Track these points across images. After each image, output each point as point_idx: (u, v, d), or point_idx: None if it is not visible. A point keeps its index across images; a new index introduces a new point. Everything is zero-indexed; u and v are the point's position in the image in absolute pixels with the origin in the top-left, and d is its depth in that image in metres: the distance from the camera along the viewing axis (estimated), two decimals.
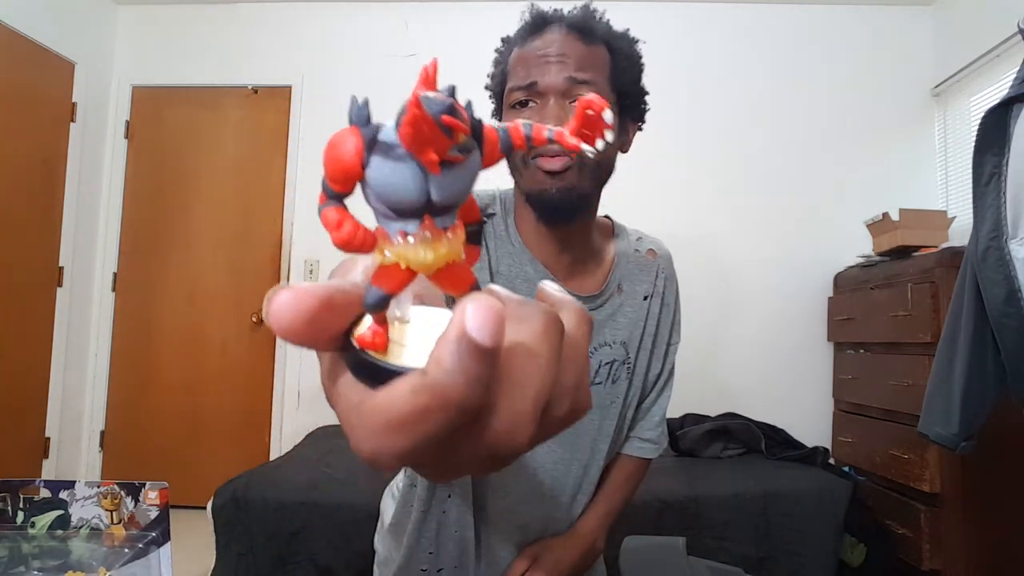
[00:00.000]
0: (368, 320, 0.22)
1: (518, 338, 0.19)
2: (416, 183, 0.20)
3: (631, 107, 0.78)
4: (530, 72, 0.73)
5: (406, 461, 0.18)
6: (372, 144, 0.20)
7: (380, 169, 0.20)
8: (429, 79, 0.22)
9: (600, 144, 0.23)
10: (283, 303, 0.19)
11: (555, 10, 0.76)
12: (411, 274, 0.21)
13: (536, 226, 0.78)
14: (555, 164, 0.70)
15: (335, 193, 0.22)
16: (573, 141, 0.23)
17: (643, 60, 0.79)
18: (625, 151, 0.82)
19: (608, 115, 0.23)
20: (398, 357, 0.20)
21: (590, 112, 0.23)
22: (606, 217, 0.91)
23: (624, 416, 0.86)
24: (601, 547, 0.86)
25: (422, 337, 0.21)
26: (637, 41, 0.79)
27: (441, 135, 0.19)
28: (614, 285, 0.83)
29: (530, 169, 0.73)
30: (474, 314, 0.17)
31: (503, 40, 0.82)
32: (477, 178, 0.21)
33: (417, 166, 0.20)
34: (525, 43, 0.75)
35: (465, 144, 0.20)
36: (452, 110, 0.20)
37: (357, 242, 0.21)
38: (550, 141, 0.23)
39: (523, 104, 0.74)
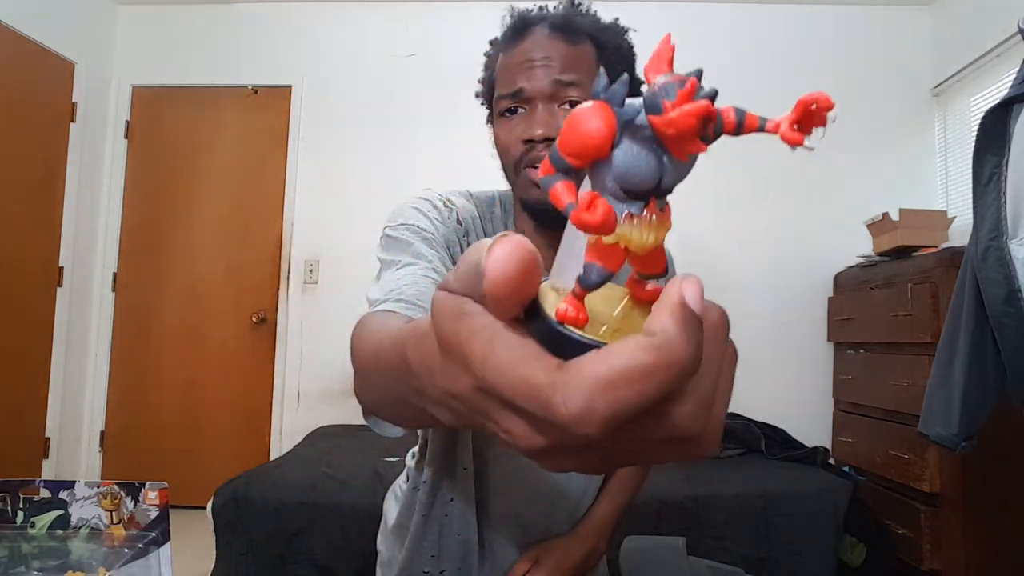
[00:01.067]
0: (552, 294, 0.22)
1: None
2: (658, 167, 0.20)
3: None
4: (515, 79, 0.71)
5: (613, 423, 0.18)
6: (624, 125, 0.20)
7: (629, 151, 0.20)
8: (666, 56, 0.21)
9: (816, 140, 0.21)
10: (508, 251, 0.19)
11: (540, 8, 0.75)
12: (627, 254, 0.21)
13: (536, 230, 0.77)
14: (541, 169, 0.69)
15: (569, 167, 0.21)
16: (791, 135, 0.22)
17: (635, 50, 0.77)
18: None
19: (833, 115, 0.21)
20: (588, 333, 0.20)
21: (814, 107, 0.21)
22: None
23: None
24: (604, 548, 0.86)
25: (600, 314, 0.21)
26: (627, 31, 0.78)
27: (704, 126, 0.19)
28: None
29: (522, 179, 0.73)
30: (689, 287, 0.18)
31: (491, 43, 0.80)
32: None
33: (663, 151, 0.20)
34: (509, 48, 0.74)
35: (706, 133, 0.20)
36: (715, 100, 0.20)
37: (611, 224, 0.20)
38: (761, 129, 0.22)
39: (512, 111, 0.73)
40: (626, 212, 0.21)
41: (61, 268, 3.02)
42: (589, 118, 0.20)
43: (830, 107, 0.21)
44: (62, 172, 3.03)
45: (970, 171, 1.34)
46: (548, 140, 0.69)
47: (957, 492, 2.04)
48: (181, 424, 3.15)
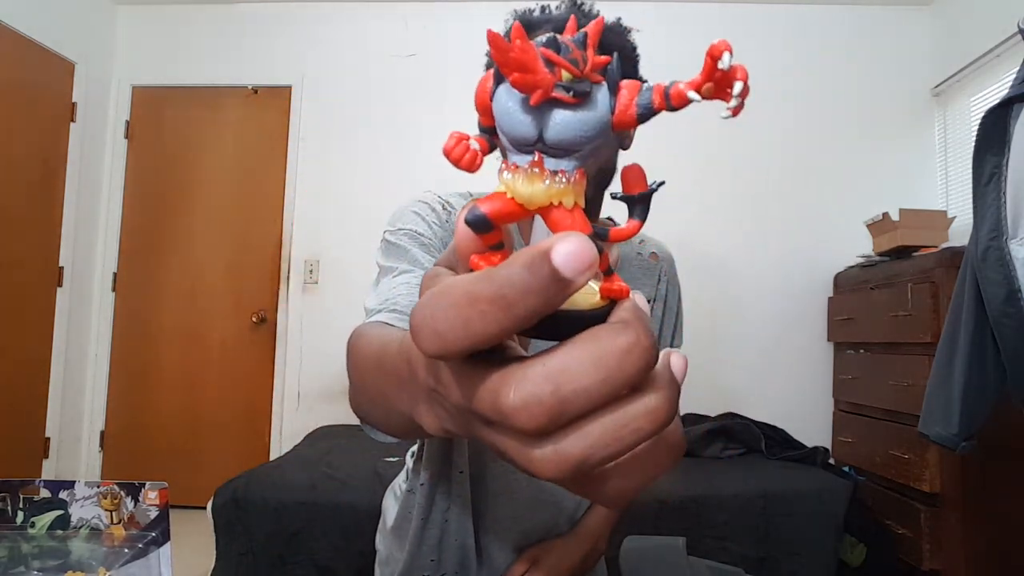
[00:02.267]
0: None
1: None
2: (525, 117, 0.21)
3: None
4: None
5: (559, 412, 0.18)
6: (500, 79, 0.21)
7: (500, 100, 0.21)
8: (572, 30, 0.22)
9: (734, 103, 0.23)
10: (585, 247, 0.18)
11: (543, 8, 0.74)
12: (517, 207, 0.21)
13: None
14: None
15: (481, 126, 0.23)
16: (679, 92, 0.23)
17: (638, 51, 0.77)
18: (626, 148, 0.80)
19: (726, 60, 0.22)
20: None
21: (725, 68, 0.22)
22: (609, 219, 0.90)
23: None
24: (603, 548, 0.86)
25: (576, 303, 0.21)
26: (630, 31, 0.78)
27: (538, 67, 0.20)
28: None
29: None
30: (566, 242, 0.18)
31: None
32: (605, 130, 0.22)
33: (549, 106, 0.20)
34: None
35: (577, 87, 0.20)
36: (554, 44, 0.20)
37: (454, 156, 0.22)
38: (692, 101, 0.23)
39: None
40: (512, 163, 0.21)
41: (61, 268, 3.02)
42: (481, 79, 0.22)
43: (743, 75, 0.22)
44: (62, 172, 3.03)
45: (970, 171, 1.34)
46: None
47: (957, 492, 2.04)
48: (181, 424, 3.15)
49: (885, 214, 2.54)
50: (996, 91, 2.63)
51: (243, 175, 3.26)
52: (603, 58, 0.21)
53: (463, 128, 0.24)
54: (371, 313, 0.61)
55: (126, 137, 3.31)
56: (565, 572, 0.80)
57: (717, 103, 0.23)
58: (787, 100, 3.15)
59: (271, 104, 3.27)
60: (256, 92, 3.29)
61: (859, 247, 2.79)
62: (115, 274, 3.25)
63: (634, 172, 0.25)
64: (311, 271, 3.18)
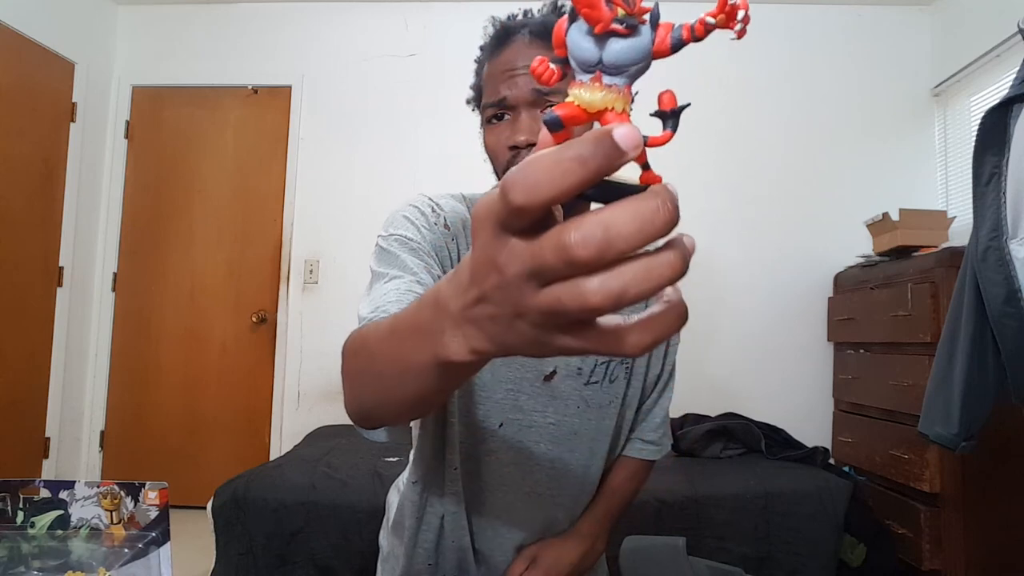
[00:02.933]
0: None
1: None
2: (590, 44, 0.27)
3: None
4: (499, 88, 0.73)
5: (547, 192, 0.24)
6: (573, 20, 0.28)
7: (571, 33, 0.28)
8: None
9: (739, 27, 0.29)
10: (633, 131, 0.25)
11: (524, 12, 0.76)
12: (581, 111, 0.28)
13: None
14: None
15: (555, 58, 0.29)
16: (699, 27, 0.29)
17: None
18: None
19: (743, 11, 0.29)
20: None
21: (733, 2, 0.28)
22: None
23: (623, 416, 0.86)
24: (602, 548, 0.86)
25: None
26: None
27: (602, 6, 0.26)
28: None
29: None
30: (622, 127, 0.24)
31: (480, 49, 0.81)
32: (647, 55, 0.29)
33: (605, 36, 0.27)
34: (493, 57, 0.75)
35: (628, 20, 0.27)
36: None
37: (538, 72, 0.29)
38: (695, 39, 0.29)
39: (498, 118, 0.74)
40: (579, 79, 0.28)
41: (61, 268, 3.02)
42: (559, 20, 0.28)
43: (744, 5, 0.29)
44: (62, 172, 3.03)
45: (970, 171, 1.34)
46: (532, 146, 0.70)
47: (957, 492, 2.04)
48: (181, 424, 3.15)
49: (885, 214, 2.54)
50: (996, 91, 2.63)
51: (243, 175, 3.26)
52: (648, 5, 0.28)
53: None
54: (364, 321, 0.63)
55: (126, 137, 3.31)
56: (564, 570, 0.80)
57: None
58: (787, 100, 3.15)
59: (271, 104, 3.27)
60: (256, 92, 3.29)
61: (859, 247, 2.79)
62: (115, 274, 3.25)
63: (667, 95, 0.32)
64: (311, 271, 3.18)
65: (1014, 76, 1.29)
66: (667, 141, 0.31)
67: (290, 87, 3.26)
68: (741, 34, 0.29)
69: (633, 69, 0.29)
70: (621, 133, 0.24)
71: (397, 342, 0.40)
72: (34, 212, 2.91)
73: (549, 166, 0.24)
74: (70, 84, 3.06)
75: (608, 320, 0.27)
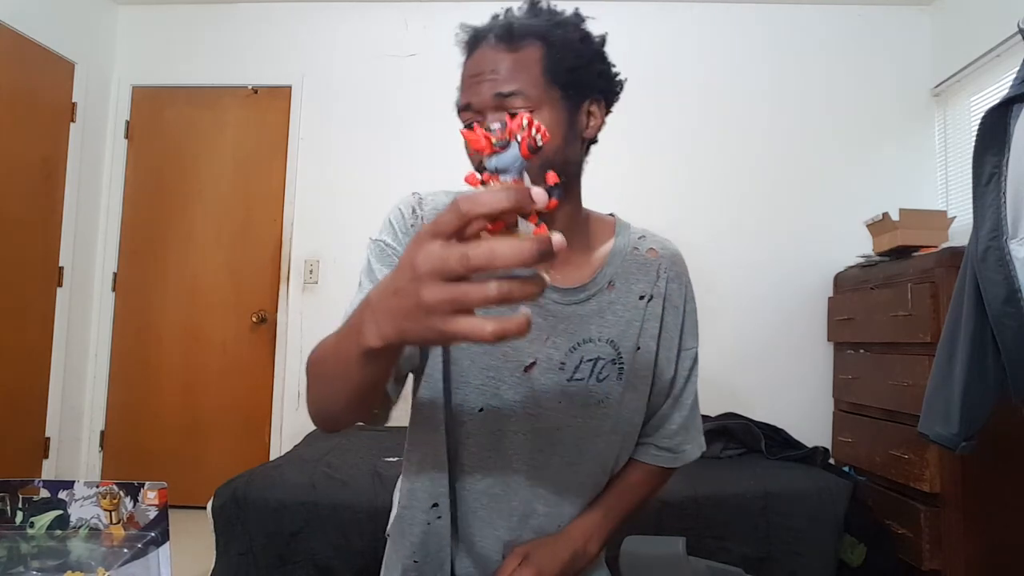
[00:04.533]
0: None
1: None
2: (480, 159, 0.47)
3: (580, 91, 0.76)
4: (466, 94, 0.75)
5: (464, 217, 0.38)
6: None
7: (471, 153, 0.59)
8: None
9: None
10: (542, 192, 0.37)
11: (494, 16, 0.77)
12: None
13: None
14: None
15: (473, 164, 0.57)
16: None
17: (594, 39, 0.78)
18: (590, 136, 0.80)
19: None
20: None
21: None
22: (611, 215, 0.89)
23: (621, 417, 0.84)
24: (593, 551, 0.83)
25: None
26: (583, 20, 0.78)
27: (480, 140, 0.45)
28: (604, 281, 0.81)
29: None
30: (536, 189, 0.37)
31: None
32: (517, 160, 0.45)
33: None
34: (464, 63, 0.77)
35: (500, 143, 0.45)
36: (488, 130, 0.46)
37: (470, 182, 0.47)
38: (539, 146, 0.47)
39: (470, 124, 0.75)
40: (478, 178, 0.47)
41: (61, 268, 3.02)
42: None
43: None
44: (62, 172, 3.03)
45: (970, 171, 1.34)
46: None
47: (957, 492, 2.04)
48: (181, 424, 3.15)
49: (885, 214, 2.54)
50: (996, 91, 2.63)
51: (243, 175, 3.26)
52: (514, 125, 0.45)
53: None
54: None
55: (126, 137, 3.31)
56: (555, 568, 0.79)
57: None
58: (787, 100, 3.15)
59: (271, 104, 3.27)
60: (256, 92, 3.29)
61: (859, 247, 2.79)
62: (115, 274, 3.25)
63: (551, 175, 0.48)
64: (311, 271, 3.18)
65: (1014, 76, 1.29)
66: (555, 207, 0.41)
67: (290, 87, 3.26)
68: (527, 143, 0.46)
69: (514, 169, 0.45)
70: (535, 191, 0.37)
71: (339, 342, 0.53)
72: (34, 212, 2.91)
73: (490, 194, 0.37)
74: (70, 84, 3.07)
75: (479, 315, 0.38)
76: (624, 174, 3.13)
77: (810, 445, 2.48)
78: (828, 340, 2.97)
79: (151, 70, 3.34)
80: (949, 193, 2.98)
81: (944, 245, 2.35)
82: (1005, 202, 1.25)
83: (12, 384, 2.78)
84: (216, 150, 3.28)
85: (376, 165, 3.16)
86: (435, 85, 3.26)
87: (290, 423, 3.09)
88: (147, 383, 3.20)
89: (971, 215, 1.35)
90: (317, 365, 0.61)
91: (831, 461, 2.55)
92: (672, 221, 3.11)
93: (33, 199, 2.91)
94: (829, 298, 2.97)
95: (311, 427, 2.90)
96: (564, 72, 0.73)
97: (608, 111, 0.83)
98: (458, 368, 0.78)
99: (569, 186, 0.78)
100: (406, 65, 3.23)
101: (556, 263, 0.79)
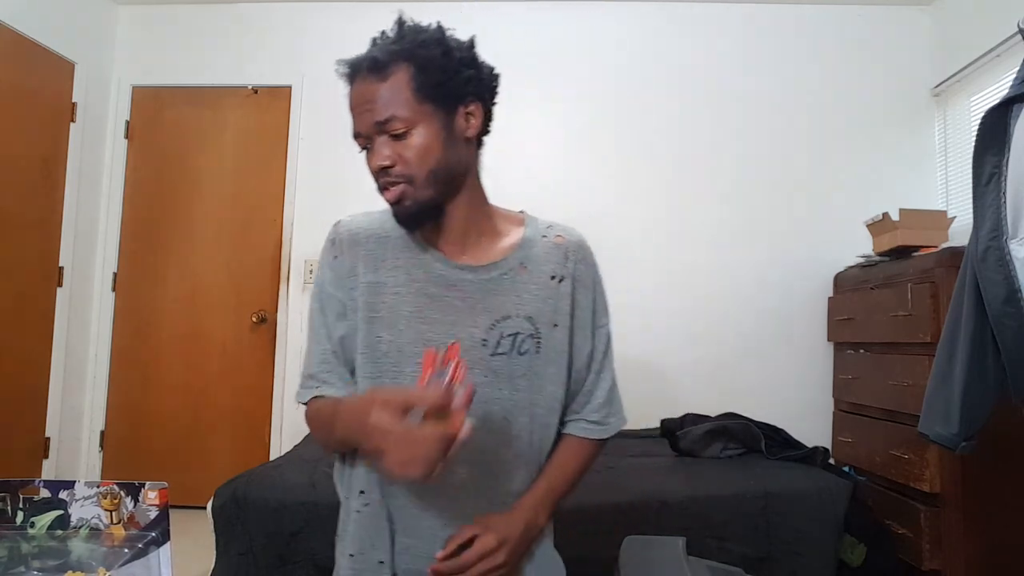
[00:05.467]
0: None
1: None
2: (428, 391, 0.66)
3: (453, 100, 0.82)
4: (354, 124, 0.83)
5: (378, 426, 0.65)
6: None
7: None
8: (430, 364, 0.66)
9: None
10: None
11: (372, 40, 0.84)
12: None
13: (407, 233, 0.89)
14: (389, 196, 0.83)
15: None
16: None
17: (457, 49, 0.84)
18: (473, 136, 0.85)
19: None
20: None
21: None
22: (521, 212, 0.97)
23: (544, 390, 0.87)
24: (542, 523, 0.86)
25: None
26: (445, 33, 0.85)
27: (429, 367, 0.68)
28: (515, 262, 0.88)
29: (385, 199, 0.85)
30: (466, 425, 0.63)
31: None
32: (449, 390, 0.64)
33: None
34: (348, 95, 0.84)
35: (441, 371, 0.66)
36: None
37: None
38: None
39: (364, 147, 0.85)
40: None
41: (61, 268, 3.02)
42: None
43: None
44: (62, 172, 3.03)
45: (970, 171, 1.34)
46: (386, 168, 0.81)
47: (957, 492, 2.04)
48: (181, 424, 3.15)
49: (885, 214, 2.54)
50: (996, 91, 2.63)
51: (243, 175, 3.26)
52: (450, 371, 0.65)
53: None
54: (304, 379, 0.90)
55: (126, 137, 3.31)
56: (515, 534, 0.81)
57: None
58: (787, 100, 3.15)
59: (271, 104, 3.27)
60: (256, 92, 3.29)
61: (859, 247, 2.79)
62: (115, 274, 3.25)
63: (459, 417, 0.64)
64: (311, 271, 3.18)
65: (1014, 76, 1.29)
66: (469, 433, 0.61)
67: (290, 87, 3.26)
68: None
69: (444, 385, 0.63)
70: (455, 401, 0.57)
71: (342, 424, 0.77)
72: (34, 212, 2.91)
73: (427, 389, 0.53)
74: (70, 84, 3.07)
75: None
76: (624, 174, 3.13)
77: (810, 445, 2.48)
78: (828, 340, 2.97)
79: (151, 70, 3.34)
80: (949, 193, 2.98)
81: (944, 245, 2.35)
82: (1005, 202, 1.25)
83: (12, 384, 2.78)
84: (216, 150, 3.27)
85: None
86: None
87: (290, 423, 3.09)
88: (147, 383, 3.20)
89: (971, 215, 1.35)
90: (313, 425, 0.90)
91: (831, 461, 2.55)
92: (672, 221, 3.12)
93: (33, 199, 2.91)
94: (829, 298, 2.97)
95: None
96: (432, 87, 0.80)
97: (492, 105, 0.88)
98: (390, 360, 0.84)
99: (460, 182, 0.86)
100: None
101: (469, 248, 0.87)
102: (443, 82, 0.81)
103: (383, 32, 0.86)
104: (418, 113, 0.80)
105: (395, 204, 0.83)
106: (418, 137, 0.80)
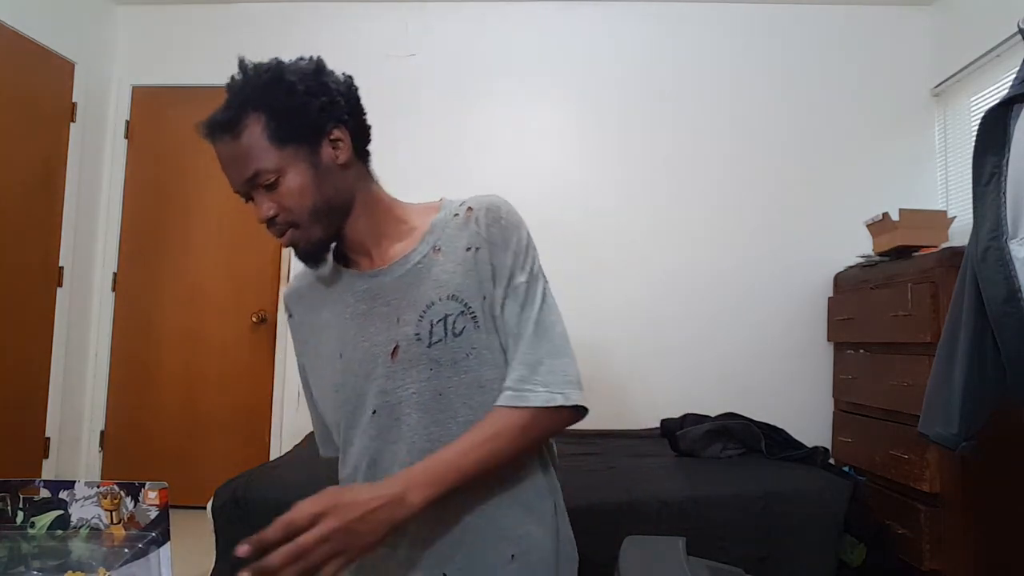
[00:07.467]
0: None
1: None
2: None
3: (312, 134, 0.82)
4: (228, 180, 0.85)
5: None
6: None
7: None
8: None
9: None
10: None
11: (225, 100, 0.83)
12: None
13: (306, 270, 0.94)
14: (283, 243, 0.85)
15: None
16: None
17: (300, 83, 0.81)
18: (345, 160, 0.85)
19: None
20: None
21: None
22: (440, 199, 0.95)
23: (493, 362, 0.84)
24: (416, 501, 0.73)
25: None
26: (283, 69, 0.83)
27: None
28: (427, 248, 0.86)
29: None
30: None
31: None
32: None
33: None
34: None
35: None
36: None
37: None
38: None
39: (247, 198, 0.85)
40: None
41: (61, 268, 3.02)
42: None
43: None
44: (62, 172, 3.03)
45: (970, 171, 1.34)
46: (271, 219, 0.82)
47: (957, 492, 2.04)
48: (181, 424, 3.15)
49: (885, 214, 2.54)
50: (996, 91, 2.63)
51: None
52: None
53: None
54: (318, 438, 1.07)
55: (126, 137, 3.31)
56: (356, 512, 0.70)
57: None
58: (787, 100, 3.15)
59: None
60: None
61: (859, 247, 2.79)
62: (115, 274, 3.25)
63: None
64: None
65: (1014, 76, 1.29)
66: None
67: None
68: None
69: None
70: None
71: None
72: (34, 212, 2.91)
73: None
74: (70, 84, 3.06)
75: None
76: (624, 174, 3.13)
77: (810, 445, 2.48)
78: (828, 340, 2.97)
79: (151, 70, 3.34)
80: (949, 193, 2.98)
81: (944, 245, 2.35)
82: (1005, 202, 1.25)
83: (12, 384, 2.78)
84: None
85: (375, 165, 3.15)
86: (435, 85, 3.29)
87: (290, 423, 3.09)
88: (147, 383, 3.20)
89: (971, 215, 1.35)
90: None
91: (831, 461, 2.55)
92: (672, 221, 3.12)
93: (33, 199, 2.91)
94: (829, 298, 2.97)
95: (311, 427, 2.90)
96: (287, 130, 0.80)
97: (360, 116, 0.89)
98: (342, 393, 0.87)
99: (348, 205, 0.87)
100: (406, 65, 3.23)
101: (379, 252, 0.86)
102: (296, 122, 0.80)
103: (232, 76, 0.85)
104: (282, 159, 0.80)
105: (292, 247, 0.85)
106: (290, 182, 0.80)
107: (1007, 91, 1.29)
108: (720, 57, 3.18)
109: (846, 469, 2.49)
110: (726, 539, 1.89)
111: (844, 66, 3.14)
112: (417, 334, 0.82)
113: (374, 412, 0.84)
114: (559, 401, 0.81)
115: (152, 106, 3.32)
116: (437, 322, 0.82)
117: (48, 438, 2.96)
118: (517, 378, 0.82)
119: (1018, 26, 1.37)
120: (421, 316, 0.83)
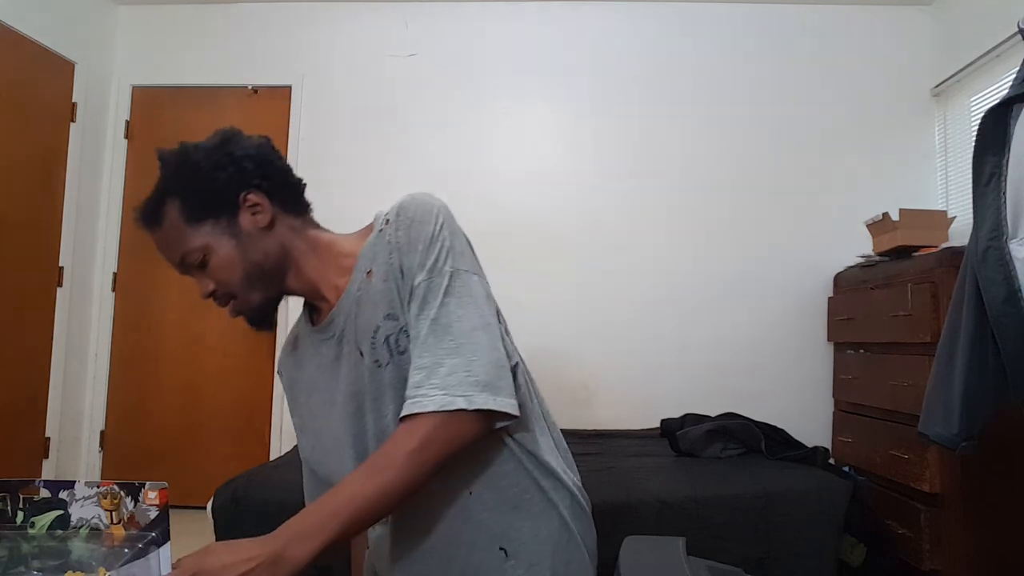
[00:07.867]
0: None
1: None
2: None
3: (226, 206, 0.83)
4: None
5: None
6: None
7: None
8: None
9: None
10: None
11: (145, 202, 0.84)
12: None
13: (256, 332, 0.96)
14: (230, 313, 0.89)
15: None
16: None
17: (202, 159, 0.82)
18: (266, 223, 0.85)
19: None
20: None
21: None
22: (376, 216, 0.90)
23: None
24: (298, 556, 0.67)
25: None
26: (186, 151, 0.84)
27: None
28: (360, 275, 0.84)
29: None
30: None
31: None
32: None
33: None
34: None
35: None
36: None
37: None
38: None
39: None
40: None
41: (61, 268, 3.02)
42: None
43: None
44: (62, 172, 3.03)
45: (970, 171, 1.34)
46: (212, 293, 0.87)
47: (957, 492, 2.04)
48: (181, 424, 3.15)
49: (885, 214, 2.54)
50: (996, 91, 2.63)
51: None
52: None
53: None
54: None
55: (126, 137, 3.31)
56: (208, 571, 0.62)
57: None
58: (787, 100, 3.15)
59: (271, 104, 3.27)
60: (256, 92, 3.29)
61: (859, 247, 2.79)
62: (115, 274, 3.25)
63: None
64: None
65: (1014, 76, 1.29)
66: None
67: (290, 87, 3.26)
68: None
69: None
70: None
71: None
72: (34, 212, 2.91)
73: None
74: (70, 84, 3.06)
75: None
76: (624, 174, 3.13)
77: (810, 445, 2.48)
78: (828, 340, 2.97)
79: (151, 70, 3.34)
80: (949, 193, 2.98)
81: (944, 245, 2.35)
82: (1005, 202, 1.25)
83: (12, 384, 2.78)
84: None
85: (376, 165, 3.16)
86: (435, 85, 3.29)
87: (290, 423, 3.08)
88: (147, 383, 3.20)
89: (971, 215, 1.35)
90: None
91: (831, 461, 2.55)
92: (672, 221, 3.12)
93: (33, 199, 2.91)
94: (829, 298, 2.97)
95: None
96: (200, 210, 0.81)
97: (280, 172, 0.89)
98: (315, 459, 0.90)
99: (284, 264, 0.88)
100: (406, 65, 3.23)
101: (329, 296, 0.89)
102: (205, 199, 0.81)
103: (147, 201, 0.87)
104: (202, 237, 0.82)
105: (240, 316, 0.88)
106: (217, 257, 0.82)
107: (1007, 91, 1.29)
108: (720, 57, 3.18)
109: (846, 469, 2.49)
110: (726, 539, 1.89)
111: (844, 66, 3.14)
112: (376, 361, 0.80)
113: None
114: (460, 404, 0.71)
115: (152, 106, 3.32)
116: (380, 345, 0.80)
117: (48, 438, 2.96)
118: (413, 384, 0.74)
119: (1018, 26, 1.38)
120: (372, 344, 0.81)
